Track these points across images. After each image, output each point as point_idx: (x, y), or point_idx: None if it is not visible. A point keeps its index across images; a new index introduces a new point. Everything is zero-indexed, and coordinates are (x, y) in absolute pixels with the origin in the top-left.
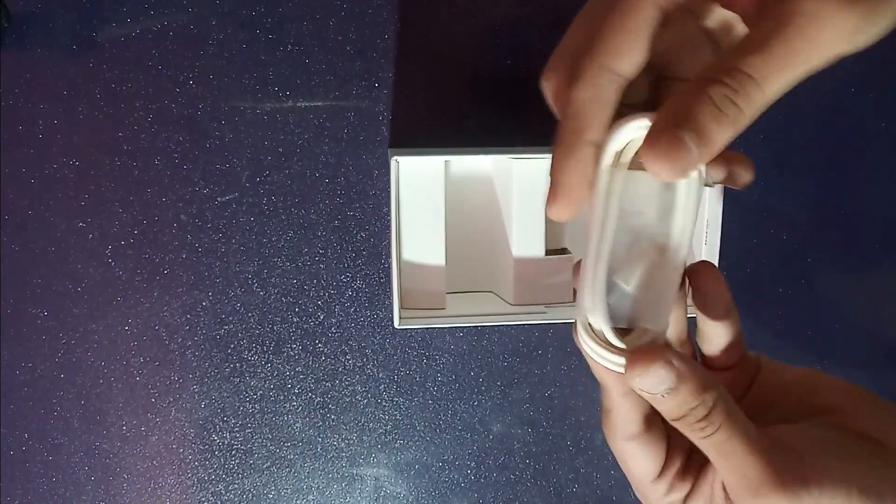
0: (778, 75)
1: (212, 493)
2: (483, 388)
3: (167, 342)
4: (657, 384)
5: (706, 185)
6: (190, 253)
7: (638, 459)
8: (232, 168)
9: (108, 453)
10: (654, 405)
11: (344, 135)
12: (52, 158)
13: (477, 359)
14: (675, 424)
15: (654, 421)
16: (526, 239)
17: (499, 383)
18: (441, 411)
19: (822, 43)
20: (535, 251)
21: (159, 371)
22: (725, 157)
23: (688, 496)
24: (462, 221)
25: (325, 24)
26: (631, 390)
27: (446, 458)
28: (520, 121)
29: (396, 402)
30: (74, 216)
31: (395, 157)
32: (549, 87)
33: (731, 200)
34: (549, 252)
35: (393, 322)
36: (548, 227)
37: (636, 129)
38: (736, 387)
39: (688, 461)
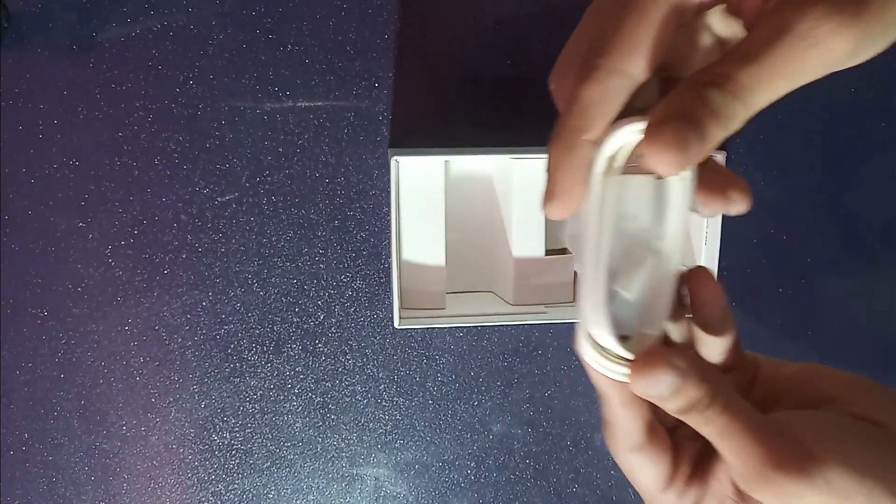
0: (768, 86)
1: (212, 493)
2: (483, 388)
3: (167, 342)
4: (664, 387)
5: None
6: (190, 253)
7: (645, 471)
8: (232, 168)
9: (108, 453)
10: (661, 405)
11: (344, 135)
12: (52, 158)
13: (477, 359)
14: (681, 418)
15: (656, 429)
16: (526, 239)
17: (499, 383)
18: (441, 411)
19: (811, 63)
20: (535, 251)
21: (159, 371)
22: (724, 182)
23: (701, 499)
24: (462, 221)
25: (325, 24)
26: (632, 399)
27: (446, 458)
28: (520, 121)
29: (396, 402)
30: (74, 216)
31: (395, 157)
32: (557, 86)
33: None
34: (549, 252)
35: (393, 322)
36: (548, 227)
37: (630, 133)
38: (738, 388)
39: (695, 467)
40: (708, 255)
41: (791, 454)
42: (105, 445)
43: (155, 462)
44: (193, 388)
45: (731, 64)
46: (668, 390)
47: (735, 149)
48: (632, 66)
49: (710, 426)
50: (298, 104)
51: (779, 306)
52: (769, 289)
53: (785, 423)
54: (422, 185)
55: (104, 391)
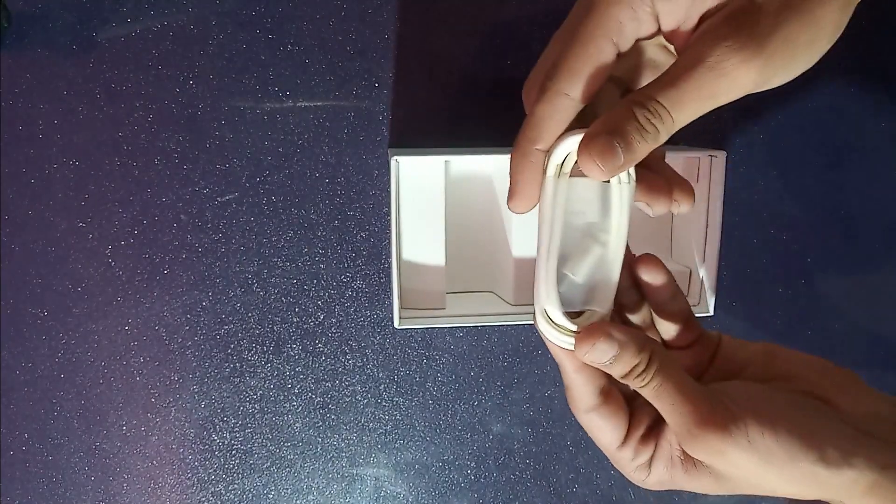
0: (686, 108)
1: (212, 493)
2: (483, 388)
3: (167, 342)
4: (603, 355)
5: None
6: (190, 253)
7: (601, 429)
8: (232, 168)
9: (108, 453)
10: (605, 370)
11: (344, 135)
12: (52, 158)
13: (477, 359)
14: (624, 381)
15: (611, 394)
16: (526, 239)
17: (499, 383)
18: (441, 411)
19: (721, 90)
20: (534, 251)
21: (159, 371)
22: (669, 184)
23: (652, 457)
24: (462, 221)
25: (325, 24)
26: (582, 366)
27: (446, 458)
28: (520, 121)
29: (396, 402)
30: (74, 216)
31: (395, 157)
32: (525, 99)
33: (732, 201)
34: None
35: (393, 322)
36: None
37: (573, 144)
38: (699, 363)
39: (651, 428)
40: (708, 255)
41: (715, 414)
42: (105, 445)
43: (155, 462)
44: (193, 388)
45: (655, 88)
46: (607, 357)
47: (735, 149)
48: (573, 91)
49: (647, 389)
50: (298, 104)
51: (779, 306)
52: (769, 289)
53: (718, 389)
54: (422, 185)
55: (104, 391)
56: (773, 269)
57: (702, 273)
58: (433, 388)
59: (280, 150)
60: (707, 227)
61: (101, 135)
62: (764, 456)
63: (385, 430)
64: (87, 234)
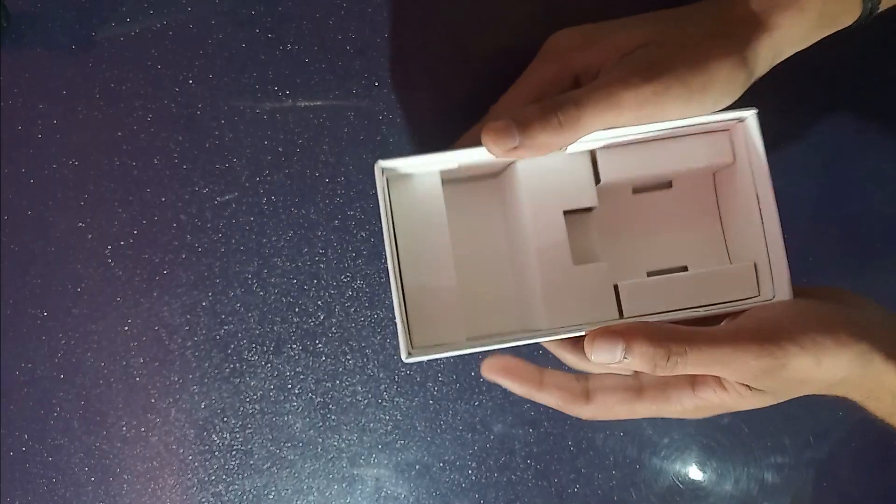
0: (592, 119)
1: (212, 493)
2: (484, 389)
3: (167, 342)
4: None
5: None
6: (190, 253)
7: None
8: (232, 168)
9: (108, 453)
10: (621, 371)
11: (344, 135)
12: (52, 158)
13: (478, 359)
14: (658, 373)
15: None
16: (549, 252)
17: None
18: (442, 411)
19: (625, 107)
20: (562, 263)
21: (159, 371)
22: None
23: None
24: (469, 238)
25: (325, 24)
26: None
27: (447, 458)
28: None
29: (397, 402)
30: (74, 216)
31: (381, 165)
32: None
33: None
34: (577, 264)
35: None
36: (571, 235)
37: None
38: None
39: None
40: (770, 239)
41: (773, 341)
42: (105, 446)
43: (155, 463)
44: (193, 389)
45: (574, 99)
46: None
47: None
48: None
49: (685, 368)
50: (298, 104)
51: None
52: None
53: (754, 316)
54: (419, 200)
55: (104, 391)
56: None
57: (769, 259)
58: (434, 388)
59: (280, 150)
60: (761, 210)
61: (101, 135)
62: (814, 353)
63: (386, 430)
64: (87, 234)
